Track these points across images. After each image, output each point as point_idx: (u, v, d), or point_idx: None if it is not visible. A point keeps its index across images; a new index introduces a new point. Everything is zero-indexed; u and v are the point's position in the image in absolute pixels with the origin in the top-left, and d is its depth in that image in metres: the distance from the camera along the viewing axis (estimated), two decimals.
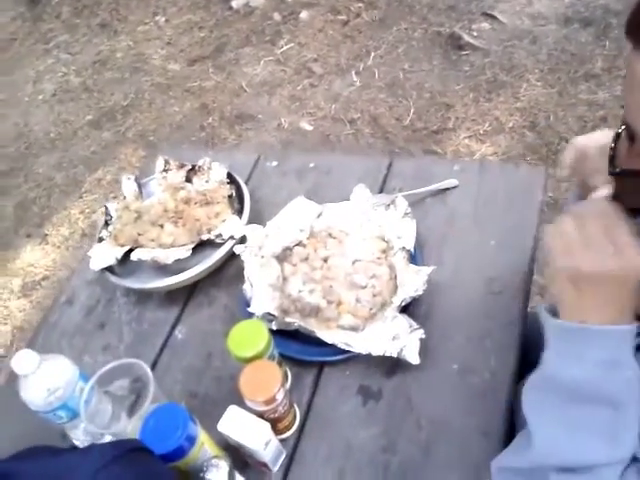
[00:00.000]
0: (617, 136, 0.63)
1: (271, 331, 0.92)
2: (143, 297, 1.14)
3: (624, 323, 0.64)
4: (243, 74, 3.06)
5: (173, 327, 1.10)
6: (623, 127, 0.62)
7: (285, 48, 3.12)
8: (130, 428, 0.84)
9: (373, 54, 2.93)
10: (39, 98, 3.31)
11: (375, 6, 3.16)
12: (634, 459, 0.66)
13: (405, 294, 0.94)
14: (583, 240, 0.63)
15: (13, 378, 0.87)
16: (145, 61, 3.33)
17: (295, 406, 0.92)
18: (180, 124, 2.92)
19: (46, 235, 2.60)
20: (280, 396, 0.83)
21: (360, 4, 3.20)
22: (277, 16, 3.31)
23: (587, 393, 0.65)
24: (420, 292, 0.94)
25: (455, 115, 2.52)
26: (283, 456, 0.89)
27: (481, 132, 2.44)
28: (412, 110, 2.60)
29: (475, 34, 2.81)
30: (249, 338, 0.87)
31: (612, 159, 0.63)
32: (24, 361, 0.82)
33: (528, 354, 0.95)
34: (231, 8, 3.47)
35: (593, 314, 0.64)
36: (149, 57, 3.35)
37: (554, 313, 0.69)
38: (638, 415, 0.66)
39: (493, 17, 2.86)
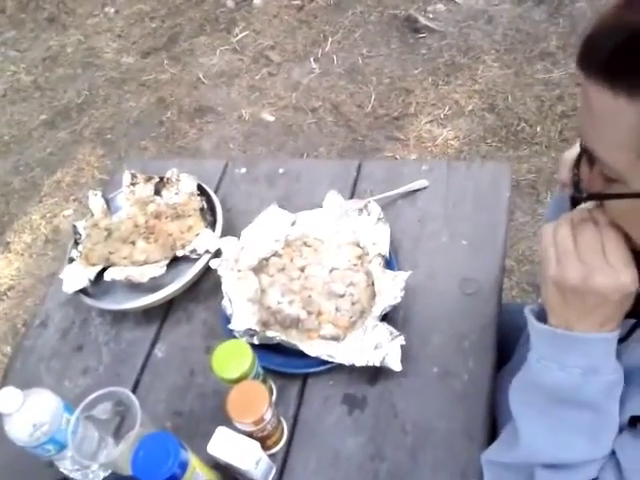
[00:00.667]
0: (577, 161, 0.65)
1: (253, 345, 0.93)
2: (119, 316, 1.13)
3: (607, 331, 0.66)
4: (199, 65, 3.01)
5: (152, 345, 1.09)
6: (581, 152, 0.64)
7: (241, 36, 3.07)
8: (117, 454, 0.84)
9: (330, 39, 2.91)
10: None
11: None
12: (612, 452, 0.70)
13: (384, 303, 0.95)
14: (576, 251, 0.64)
15: None
16: (97, 55, 3.24)
17: (282, 420, 0.93)
18: (138, 120, 2.86)
19: (8, 243, 2.53)
20: (268, 415, 0.84)
21: None
22: (230, 3, 3.25)
23: (568, 396, 0.68)
24: (399, 299, 0.95)
25: (415, 100, 2.54)
26: (273, 471, 0.90)
27: (442, 116, 2.46)
28: (373, 97, 2.60)
29: (431, 16, 2.82)
30: (233, 359, 0.88)
31: (576, 184, 0.65)
32: (7, 400, 0.81)
33: (504, 346, 0.99)
34: None
35: (578, 322, 0.67)
36: (101, 51, 3.26)
37: (538, 313, 0.71)
38: (617, 415, 0.69)
39: None
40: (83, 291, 1.11)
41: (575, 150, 0.68)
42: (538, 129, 2.32)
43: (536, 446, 0.71)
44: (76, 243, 1.18)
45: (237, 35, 3.07)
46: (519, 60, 2.53)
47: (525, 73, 2.49)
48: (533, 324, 0.71)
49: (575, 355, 0.67)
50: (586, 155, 0.62)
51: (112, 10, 3.47)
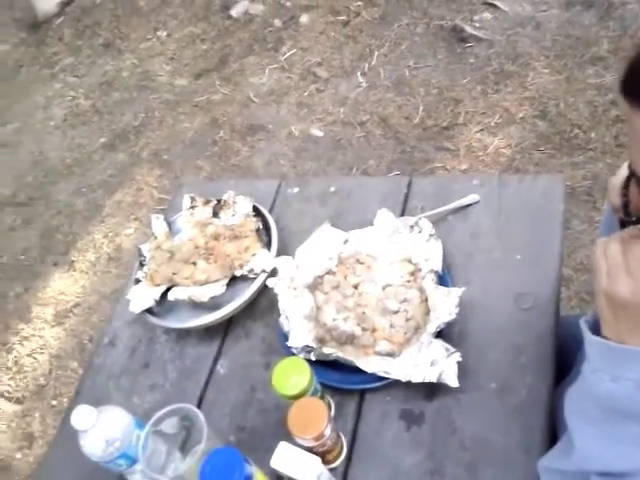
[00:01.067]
0: (626, 184, 0.65)
1: (310, 362, 0.96)
2: (183, 334, 1.18)
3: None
4: (249, 84, 3.08)
5: (215, 362, 1.13)
6: (630, 175, 0.64)
7: (288, 54, 3.13)
8: (185, 468, 0.88)
9: (377, 53, 2.93)
10: (51, 124, 3.36)
11: (374, 3, 3.16)
12: None
13: (439, 320, 0.96)
14: (627, 266, 0.65)
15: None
16: (151, 78, 3.37)
17: (341, 435, 0.95)
18: (192, 140, 2.96)
19: (73, 262, 2.65)
20: (328, 431, 0.87)
21: (359, 3, 3.20)
22: (277, 22, 3.32)
23: (621, 407, 0.69)
24: (453, 316, 0.96)
25: (464, 109, 2.53)
26: None
27: (492, 125, 2.45)
28: (421, 108, 2.61)
29: (477, 25, 2.81)
30: (292, 376, 0.91)
31: (625, 207, 0.65)
32: (82, 417, 0.87)
33: (563, 358, 0.99)
34: (231, 17, 3.48)
35: (629, 336, 0.67)
36: (155, 74, 3.39)
37: (593, 324, 0.72)
38: None
39: (494, 6, 2.85)
40: (149, 310, 1.16)
41: (622, 173, 0.69)
42: (592, 135, 2.28)
43: (590, 455, 0.72)
44: (141, 265, 1.24)
45: (285, 53, 3.14)
46: (570, 65, 2.50)
47: (576, 78, 2.45)
48: (587, 335, 0.71)
49: (628, 368, 0.68)
50: (635, 178, 0.63)
51: (164, 34, 3.60)
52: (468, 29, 2.78)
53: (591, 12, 2.64)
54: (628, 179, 0.65)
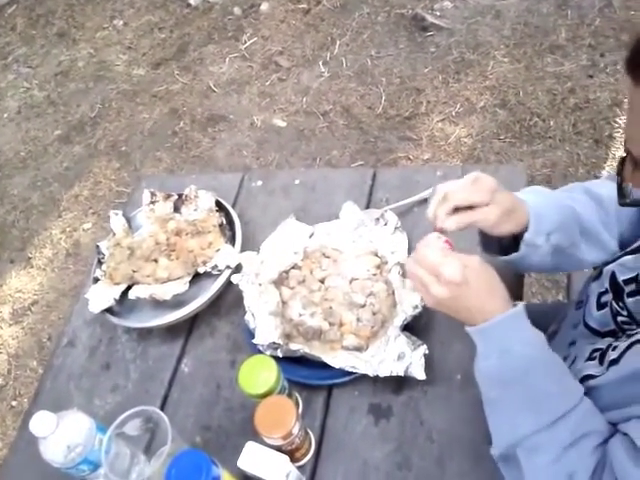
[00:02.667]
0: (621, 165, 0.65)
1: (277, 358, 0.95)
2: (144, 333, 1.15)
3: (486, 321, 0.75)
4: (209, 73, 3.03)
5: (178, 361, 1.11)
6: (625, 154, 0.64)
7: (249, 43, 3.09)
8: (150, 472, 0.86)
9: (338, 42, 2.92)
10: (4, 116, 3.25)
11: None
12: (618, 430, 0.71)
13: (405, 313, 0.96)
14: (420, 277, 0.77)
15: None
16: (108, 68, 3.28)
17: (309, 431, 0.94)
18: (151, 131, 2.89)
19: (29, 258, 2.58)
20: (296, 429, 0.85)
21: None
22: (237, 10, 3.27)
23: (496, 380, 0.76)
24: (420, 309, 0.96)
25: (426, 99, 2.54)
26: None
27: (453, 114, 2.46)
28: (383, 97, 2.61)
29: (438, 13, 2.82)
30: (259, 374, 0.89)
31: (620, 188, 0.65)
32: (42, 423, 0.84)
33: None
34: (189, 5, 3.42)
35: (470, 320, 0.77)
36: (111, 64, 3.30)
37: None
38: (551, 376, 0.75)
39: None
40: (109, 310, 1.13)
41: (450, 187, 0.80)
42: (551, 123, 2.31)
43: (495, 432, 0.77)
44: (100, 263, 1.20)
45: (245, 42, 3.09)
46: (529, 54, 2.52)
47: (536, 67, 2.48)
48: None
49: (490, 343, 0.76)
50: (630, 157, 0.63)
51: (121, 22, 3.51)
52: (429, 18, 2.78)
53: (549, 1, 2.67)
54: (623, 159, 0.65)
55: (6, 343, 2.35)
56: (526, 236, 0.83)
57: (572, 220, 0.87)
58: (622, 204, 0.67)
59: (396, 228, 1.09)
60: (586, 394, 0.75)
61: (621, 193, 0.66)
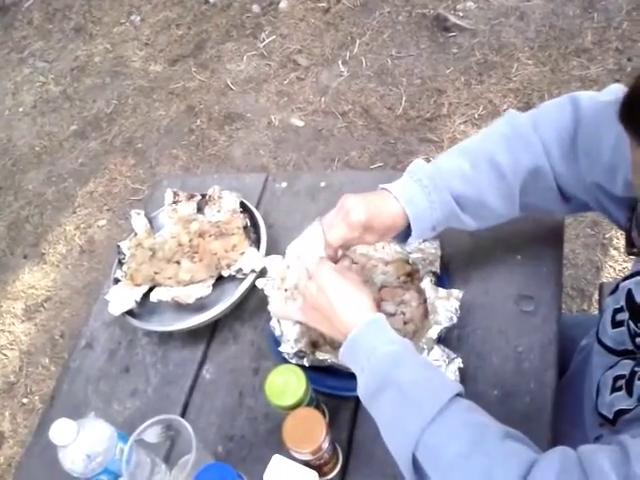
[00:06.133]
0: (630, 218, 0.62)
1: (304, 367, 0.91)
2: (165, 337, 1.12)
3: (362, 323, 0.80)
4: (227, 71, 3.00)
5: (200, 366, 1.08)
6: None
7: (267, 41, 3.05)
8: None
9: (358, 41, 2.87)
10: (20, 110, 3.23)
11: None
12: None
13: (440, 325, 0.92)
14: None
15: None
16: (125, 64, 3.25)
17: (337, 445, 0.91)
18: (168, 128, 2.87)
19: (43, 254, 2.56)
20: (326, 444, 0.82)
21: None
22: (256, 8, 3.23)
23: (372, 389, 0.77)
24: (454, 320, 0.92)
25: (448, 100, 2.49)
26: None
27: (476, 116, 2.41)
28: (404, 98, 2.57)
29: (461, 14, 2.77)
30: (287, 385, 0.86)
31: (629, 238, 0.62)
32: (62, 431, 0.80)
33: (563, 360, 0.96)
34: (208, 2, 3.38)
35: (339, 336, 0.82)
36: (128, 59, 3.27)
37: None
38: (419, 365, 0.77)
39: None
40: (129, 312, 1.10)
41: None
42: None
43: (395, 451, 0.73)
44: (120, 263, 1.17)
45: (264, 40, 3.06)
46: (554, 57, 2.47)
47: (561, 70, 2.43)
48: None
49: (357, 352, 0.79)
50: None
51: (138, 18, 3.49)
52: (451, 18, 2.73)
53: (575, 3, 2.62)
54: (633, 207, 0.62)
55: (18, 340, 2.33)
56: (411, 238, 0.90)
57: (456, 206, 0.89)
58: (630, 254, 0.65)
59: None
60: (622, 429, 0.70)
61: (629, 244, 0.63)
